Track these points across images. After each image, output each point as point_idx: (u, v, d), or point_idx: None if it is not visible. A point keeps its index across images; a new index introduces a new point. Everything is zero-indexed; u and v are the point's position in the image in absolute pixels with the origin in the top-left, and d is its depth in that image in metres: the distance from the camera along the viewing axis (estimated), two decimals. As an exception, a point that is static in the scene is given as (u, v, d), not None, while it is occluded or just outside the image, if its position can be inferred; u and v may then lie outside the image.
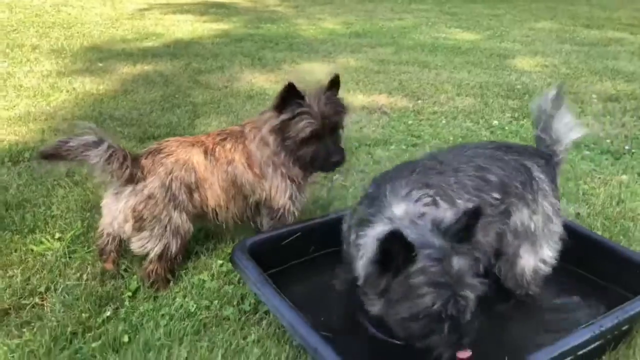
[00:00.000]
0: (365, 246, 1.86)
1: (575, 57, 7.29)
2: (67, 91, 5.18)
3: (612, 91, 5.64)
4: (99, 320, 2.25)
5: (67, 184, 3.33)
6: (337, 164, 2.61)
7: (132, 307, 2.34)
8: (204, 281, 2.51)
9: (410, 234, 1.70)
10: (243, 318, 2.29)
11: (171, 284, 2.49)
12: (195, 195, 2.49)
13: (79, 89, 5.26)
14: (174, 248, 2.44)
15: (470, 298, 1.72)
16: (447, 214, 1.84)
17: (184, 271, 2.58)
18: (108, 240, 2.55)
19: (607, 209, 3.24)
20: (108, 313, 2.29)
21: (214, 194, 2.52)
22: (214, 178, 2.51)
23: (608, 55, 7.37)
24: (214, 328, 2.24)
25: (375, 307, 1.86)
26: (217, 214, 2.57)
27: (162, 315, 2.29)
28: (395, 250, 1.67)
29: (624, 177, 3.68)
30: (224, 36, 8.13)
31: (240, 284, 2.47)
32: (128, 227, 2.40)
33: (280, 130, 2.52)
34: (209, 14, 10.15)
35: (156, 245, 2.42)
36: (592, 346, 1.90)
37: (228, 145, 2.57)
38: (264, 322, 2.26)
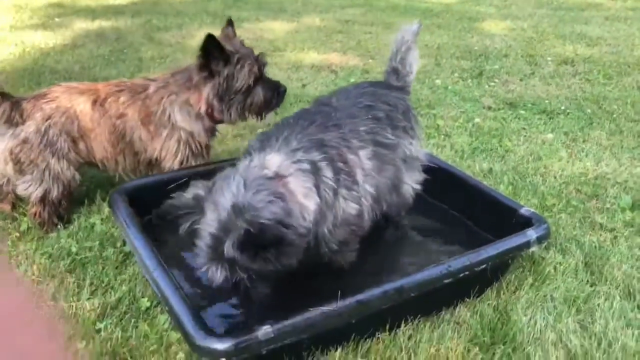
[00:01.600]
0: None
1: (547, 21, 7.17)
2: (15, 44, 5.15)
3: (570, 55, 5.56)
4: (-24, 257, 2.29)
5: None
6: (284, 93, 2.65)
7: (13, 245, 2.38)
8: (93, 224, 2.54)
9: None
10: (120, 258, 2.33)
11: (59, 226, 2.52)
12: (81, 145, 2.49)
13: (27, 42, 5.23)
14: (54, 193, 2.45)
15: None
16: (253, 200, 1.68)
17: (77, 214, 2.61)
18: (3, 182, 2.57)
19: (521, 165, 3.24)
20: (-13, 251, 2.34)
21: (99, 146, 2.51)
22: (100, 129, 2.48)
23: (580, 20, 7.24)
24: (89, 267, 2.28)
25: None
26: (105, 165, 2.58)
27: (42, 254, 2.33)
28: None
29: (550, 135, 3.66)
30: (195, -6, 8.02)
31: (127, 227, 2.50)
32: (9, 169, 2.42)
33: (223, 89, 2.49)
34: (187, -26, 9.99)
35: (36, 189, 2.43)
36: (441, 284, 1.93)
37: (123, 98, 2.50)
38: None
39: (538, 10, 7.82)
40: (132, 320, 2.00)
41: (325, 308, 1.72)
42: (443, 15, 7.36)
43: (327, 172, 1.87)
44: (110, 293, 2.13)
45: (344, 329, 1.86)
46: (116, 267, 2.28)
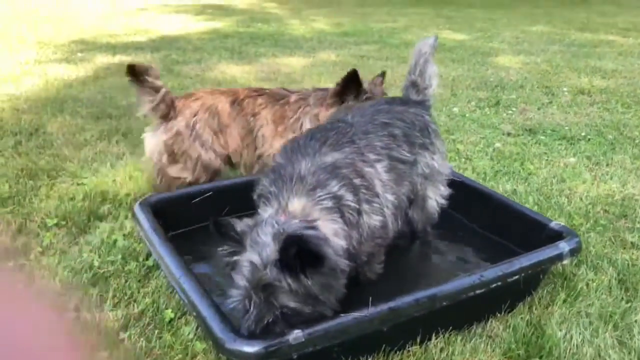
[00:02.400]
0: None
1: (560, 56, 7.23)
2: (39, 76, 5.27)
3: (586, 86, 5.57)
4: None
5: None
6: None
7: (37, 260, 2.36)
8: (115, 240, 2.52)
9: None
10: (143, 272, 2.30)
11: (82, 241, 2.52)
12: (221, 138, 2.74)
13: (50, 75, 5.35)
14: (202, 180, 2.73)
15: None
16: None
17: (98, 230, 2.60)
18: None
19: (545, 186, 3.20)
20: (10, 264, 2.31)
21: (232, 140, 2.76)
22: (235, 125, 2.73)
23: (594, 56, 7.29)
24: (112, 280, 2.25)
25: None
26: (232, 157, 2.80)
27: (64, 267, 2.31)
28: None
29: (572, 159, 3.63)
30: (212, 33, 8.22)
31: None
32: (164, 159, 2.72)
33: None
34: (204, 14, 10.28)
35: (189, 175, 2.73)
36: (472, 294, 1.88)
37: (260, 101, 2.76)
38: (163, 274, 2.27)
39: (550, 47, 7.90)
40: (156, 331, 1.96)
41: (357, 314, 1.68)
42: (456, 51, 7.46)
43: (348, 196, 1.84)
44: (133, 305, 2.09)
45: (374, 338, 1.80)
46: (139, 280, 2.24)
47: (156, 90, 2.61)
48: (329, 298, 1.67)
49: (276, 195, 1.83)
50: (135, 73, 2.57)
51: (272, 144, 2.73)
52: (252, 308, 1.62)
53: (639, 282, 2.32)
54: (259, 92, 2.81)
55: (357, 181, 1.91)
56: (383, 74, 2.90)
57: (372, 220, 1.93)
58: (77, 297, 2.12)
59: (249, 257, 1.64)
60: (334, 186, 1.83)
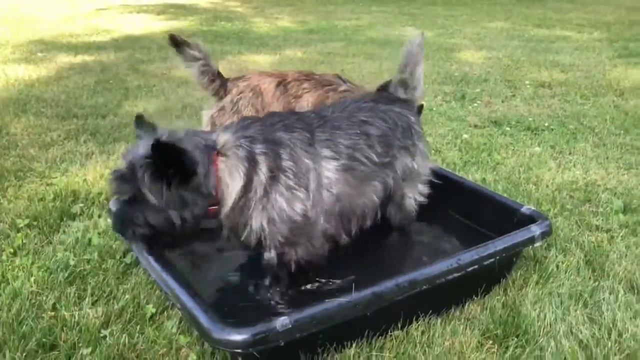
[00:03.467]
0: None
1: (520, 51, 7.43)
2: (-1, 77, 5.12)
3: (546, 79, 5.75)
4: (-31, 273, 2.21)
5: None
6: None
7: (9, 261, 2.30)
8: (90, 239, 2.48)
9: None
10: (121, 269, 2.28)
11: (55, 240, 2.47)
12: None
13: (10, 75, 5.20)
14: None
15: None
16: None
17: (71, 229, 2.55)
18: None
19: (513, 175, 3.30)
20: (-18, 265, 2.26)
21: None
22: (277, 104, 2.79)
23: (552, 50, 7.52)
24: (89, 278, 2.21)
25: None
26: None
27: (39, 267, 2.26)
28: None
29: (537, 148, 3.75)
30: (175, 32, 8.09)
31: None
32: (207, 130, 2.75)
33: None
34: (167, 14, 10.15)
35: None
36: (450, 277, 1.93)
37: (306, 85, 2.80)
38: (141, 271, 2.25)
39: (510, 42, 8.11)
40: (138, 327, 1.94)
41: (341, 299, 1.70)
42: (420, 47, 7.57)
43: (263, 166, 1.93)
44: (113, 302, 2.07)
45: (357, 323, 1.83)
46: (117, 278, 2.22)
47: (196, 59, 2.77)
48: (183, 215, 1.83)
49: (225, 127, 2.05)
50: (176, 43, 2.77)
51: None
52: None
53: (605, 262, 2.42)
54: (308, 77, 2.86)
55: (285, 163, 1.96)
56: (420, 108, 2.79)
57: (287, 205, 1.95)
58: (54, 296, 2.08)
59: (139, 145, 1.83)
60: (258, 149, 1.94)
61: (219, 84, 2.86)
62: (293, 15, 10.58)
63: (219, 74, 2.87)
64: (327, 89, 2.79)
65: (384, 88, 2.60)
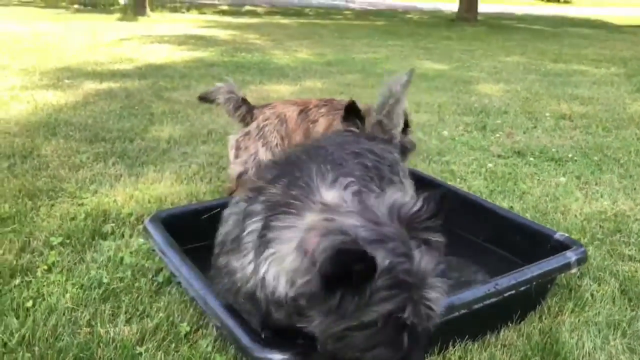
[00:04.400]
0: (289, 241, 1.40)
1: (538, 84, 7.48)
2: (27, 102, 5.23)
3: (566, 111, 5.77)
4: (5, 288, 2.22)
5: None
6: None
7: (44, 277, 2.32)
8: (122, 257, 2.49)
9: (359, 226, 1.35)
10: (154, 288, 2.28)
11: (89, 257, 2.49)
12: (286, 143, 2.92)
13: (39, 100, 5.31)
14: (250, 174, 2.85)
15: (436, 301, 1.36)
16: (400, 198, 1.47)
17: (103, 248, 2.57)
18: None
19: (540, 204, 3.29)
20: (17, 281, 2.27)
21: (295, 143, 2.90)
22: (299, 131, 2.91)
23: (570, 84, 7.56)
24: (123, 296, 2.22)
25: (314, 323, 1.40)
26: None
27: (73, 284, 2.27)
28: (355, 267, 1.25)
29: (562, 179, 3.74)
30: (197, 62, 8.28)
31: (157, 259, 2.46)
32: (231, 154, 2.98)
33: None
34: (187, 44, 10.35)
35: (237, 167, 2.93)
36: (487, 302, 1.91)
37: (322, 110, 2.91)
38: (174, 290, 2.25)
39: (528, 76, 8.17)
40: (173, 345, 1.94)
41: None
42: (438, 80, 7.65)
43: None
44: (147, 320, 2.07)
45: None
46: (150, 296, 2.22)
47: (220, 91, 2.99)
48: None
49: (302, 196, 1.48)
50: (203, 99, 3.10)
51: None
52: None
53: (641, 291, 2.39)
54: (326, 102, 2.96)
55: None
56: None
57: None
58: (89, 313, 2.08)
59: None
60: (352, 179, 1.64)
61: (245, 110, 2.98)
62: (311, 48, 10.75)
63: (244, 100, 2.99)
64: (336, 113, 2.85)
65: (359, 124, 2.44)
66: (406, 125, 2.70)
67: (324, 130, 2.84)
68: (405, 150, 2.68)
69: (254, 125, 2.95)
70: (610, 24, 17.84)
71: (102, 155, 3.82)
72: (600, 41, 13.00)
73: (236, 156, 2.98)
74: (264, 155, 2.91)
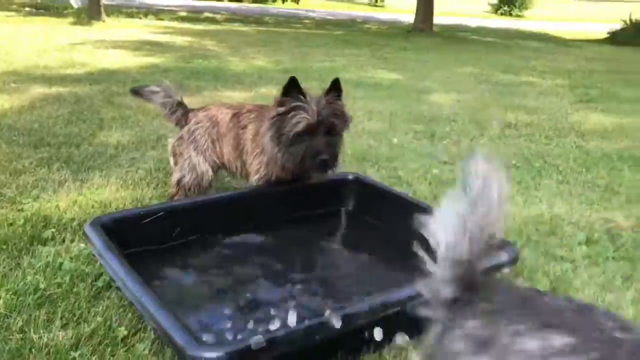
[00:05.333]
0: None
1: (487, 94, 7.71)
2: (-30, 105, 5.07)
3: (512, 120, 5.98)
4: None
5: None
6: (325, 164, 2.60)
7: (-24, 283, 2.26)
8: (61, 263, 2.45)
9: None
10: (93, 293, 2.25)
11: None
12: (217, 146, 2.95)
13: (-18, 103, 5.16)
14: (187, 179, 2.93)
15: None
16: None
17: (42, 254, 2.52)
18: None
19: (482, 208, 3.39)
20: (-53, 288, 2.20)
21: (227, 149, 2.94)
22: (230, 135, 2.90)
23: (517, 94, 7.83)
24: (59, 301, 2.18)
25: None
26: (229, 168, 3.02)
27: (7, 290, 2.22)
28: None
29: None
30: (152, 67, 8.19)
31: (98, 264, 2.43)
32: (172, 161, 3.03)
33: (277, 125, 2.61)
34: (143, 50, 10.22)
35: (176, 174, 2.97)
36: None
37: (252, 115, 2.89)
38: (114, 294, 2.23)
39: (479, 86, 8.42)
40: (109, 349, 1.92)
41: (321, 318, 1.73)
42: (393, 88, 7.81)
43: None
44: (83, 325, 2.04)
45: (332, 345, 1.85)
46: (89, 301, 2.20)
47: (154, 92, 3.01)
48: None
49: None
50: (136, 92, 3.07)
51: (252, 161, 2.85)
52: None
53: (569, 289, 2.50)
54: (258, 107, 2.95)
55: None
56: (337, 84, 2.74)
57: None
58: (22, 319, 2.04)
59: None
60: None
61: (181, 113, 2.98)
62: (269, 56, 10.78)
63: (180, 104, 2.99)
64: (264, 117, 2.78)
65: None
66: None
67: (252, 136, 2.83)
68: None
69: (186, 128, 2.96)
70: (559, 37, 18.54)
71: (46, 161, 3.74)
72: (548, 54, 13.50)
73: (175, 162, 3.01)
74: (197, 159, 2.93)
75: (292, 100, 2.59)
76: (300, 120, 2.55)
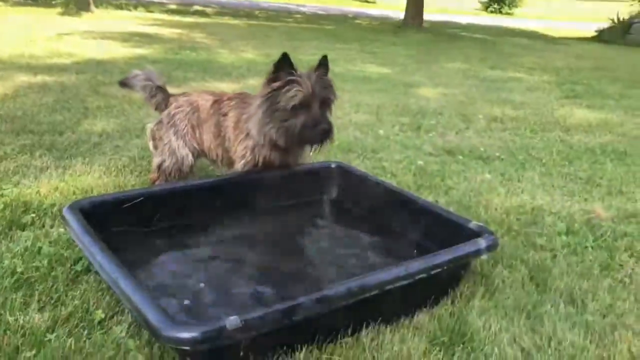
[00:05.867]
0: None
1: (475, 89, 7.74)
2: (-48, 92, 5.01)
3: (499, 115, 6.01)
4: None
5: None
6: (326, 133, 2.63)
7: (-48, 266, 2.24)
8: (40, 247, 2.44)
9: None
10: (71, 276, 2.24)
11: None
12: (197, 132, 2.95)
13: (-35, 91, 5.10)
14: (167, 163, 2.94)
15: None
16: None
17: (20, 238, 2.51)
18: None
19: (464, 198, 3.42)
20: None
21: (207, 136, 2.94)
22: (210, 122, 2.90)
23: (504, 89, 7.87)
24: (37, 285, 2.17)
25: None
26: (210, 155, 3.01)
27: (-16, 273, 2.21)
28: None
29: (488, 175, 3.90)
30: (139, 58, 8.13)
31: (77, 249, 2.41)
32: (151, 145, 3.04)
33: (270, 101, 2.59)
34: (131, 41, 10.15)
35: (156, 158, 2.98)
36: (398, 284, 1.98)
37: (233, 102, 2.87)
38: (92, 278, 2.22)
39: (466, 81, 8.45)
40: (85, 331, 1.91)
41: (295, 301, 1.73)
42: (381, 82, 7.81)
43: None
44: (60, 308, 2.03)
45: (308, 328, 1.86)
46: (67, 285, 2.18)
47: (135, 76, 3.05)
48: None
49: None
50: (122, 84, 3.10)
51: (236, 148, 2.83)
52: None
53: (548, 278, 2.53)
54: (238, 94, 2.95)
55: None
56: (324, 62, 2.74)
57: None
58: (-1, 301, 2.03)
59: None
60: None
61: (161, 97, 2.99)
62: (258, 49, 10.75)
63: (160, 88, 3.00)
64: (244, 104, 2.81)
65: None
66: None
67: (234, 124, 2.83)
68: None
69: (165, 112, 2.96)
70: (547, 35, 18.62)
71: (29, 147, 3.72)
72: (536, 51, 13.57)
73: (154, 147, 3.01)
74: (176, 143, 2.93)
75: (286, 75, 2.57)
76: (296, 94, 2.53)
